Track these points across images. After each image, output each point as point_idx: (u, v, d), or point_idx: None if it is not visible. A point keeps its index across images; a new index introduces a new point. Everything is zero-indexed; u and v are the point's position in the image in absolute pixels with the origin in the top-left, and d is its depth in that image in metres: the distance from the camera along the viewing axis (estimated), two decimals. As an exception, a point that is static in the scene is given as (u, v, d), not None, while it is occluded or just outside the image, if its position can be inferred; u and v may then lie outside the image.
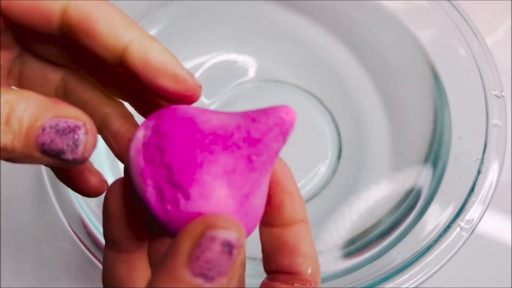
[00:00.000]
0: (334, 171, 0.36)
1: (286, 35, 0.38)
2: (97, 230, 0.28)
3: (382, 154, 0.35)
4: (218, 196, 0.12)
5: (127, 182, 0.15)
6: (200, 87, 0.16)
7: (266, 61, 0.38)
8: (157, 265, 0.13)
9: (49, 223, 0.35)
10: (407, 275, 0.27)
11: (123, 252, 0.16)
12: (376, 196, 0.33)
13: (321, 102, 0.38)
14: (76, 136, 0.13)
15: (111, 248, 0.16)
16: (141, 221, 0.16)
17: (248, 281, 0.18)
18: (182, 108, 0.15)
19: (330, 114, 0.37)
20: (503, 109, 0.30)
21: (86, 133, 0.14)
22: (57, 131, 0.13)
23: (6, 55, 0.17)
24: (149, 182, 0.13)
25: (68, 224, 0.28)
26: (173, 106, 0.15)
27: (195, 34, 0.38)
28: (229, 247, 0.12)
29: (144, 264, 0.17)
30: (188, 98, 0.16)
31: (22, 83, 0.18)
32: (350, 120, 0.37)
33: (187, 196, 0.12)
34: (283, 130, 0.14)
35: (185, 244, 0.12)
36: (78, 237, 0.28)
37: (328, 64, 0.37)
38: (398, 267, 0.27)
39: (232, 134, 0.13)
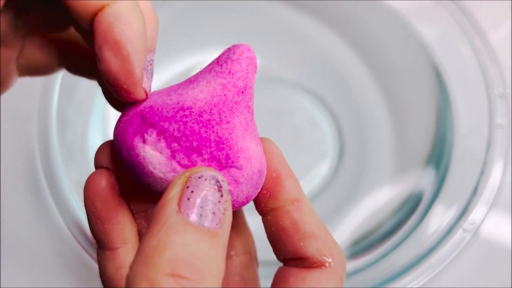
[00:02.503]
0: (335, 171, 0.35)
1: (287, 33, 0.38)
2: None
3: (384, 154, 0.35)
4: (255, 150, 0.14)
5: (107, 176, 0.15)
6: (146, 93, 0.14)
7: (267, 59, 0.38)
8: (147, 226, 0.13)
9: (47, 225, 0.35)
10: (410, 276, 0.27)
11: (107, 249, 0.16)
12: (378, 197, 0.33)
13: (322, 100, 0.38)
14: None
15: (99, 246, 0.16)
16: (124, 217, 0.16)
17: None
18: (164, 100, 0.14)
19: (332, 113, 0.37)
20: (506, 109, 0.30)
21: None
22: None
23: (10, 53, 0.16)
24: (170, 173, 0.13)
25: (66, 225, 0.28)
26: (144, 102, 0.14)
27: (193, 31, 0.37)
28: (217, 183, 0.11)
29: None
30: (124, 93, 0.13)
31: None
32: (352, 119, 0.37)
33: (239, 168, 0.13)
34: (254, 66, 0.14)
35: (172, 191, 0.11)
36: (76, 239, 0.28)
37: (330, 62, 0.37)
38: (401, 269, 0.27)
39: (225, 95, 0.14)
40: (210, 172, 0.12)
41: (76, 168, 0.31)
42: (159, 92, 0.14)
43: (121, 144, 0.14)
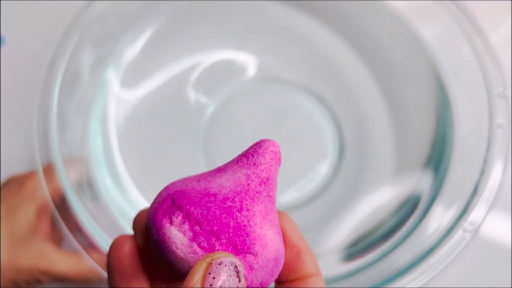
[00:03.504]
0: (335, 171, 0.36)
1: (287, 33, 0.38)
2: (96, 233, 0.28)
3: (384, 154, 0.35)
4: (272, 239, 0.15)
5: (132, 241, 0.17)
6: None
7: (267, 59, 0.38)
8: None
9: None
10: (410, 276, 0.27)
11: None
12: (378, 197, 0.33)
13: (322, 100, 0.38)
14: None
15: None
16: (143, 282, 0.17)
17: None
18: (194, 186, 0.15)
19: (332, 113, 0.37)
20: (506, 109, 0.30)
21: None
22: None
23: None
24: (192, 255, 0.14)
25: (66, 226, 0.28)
26: (175, 188, 0.15)
27: (194, 32, 0.37)
28: (235, 268, 0.13)
29: None
30: None
31: None
32: (352, 119, 0.37)
33: (255, 254, 0.14)
34: (278, 159, 0.16)
35: (196, 277, 0.13)
36: (76, 239, 0.28)
37: (330, 63, 0.37)
38: (401, 269, 0.27)
39: (248, 185, 0.15)
40: (229, 258, 0.13)
41: (75, 167, 0.31)
42: (191, 178, 0.16)
43: (151, 223, 0.15)
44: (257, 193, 0.15)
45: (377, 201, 0.33)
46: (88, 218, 0.29)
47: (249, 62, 0.38)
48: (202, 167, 0.35)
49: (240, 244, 0.14)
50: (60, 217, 0.28)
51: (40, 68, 0.31)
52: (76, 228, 0.28)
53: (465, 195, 0.29)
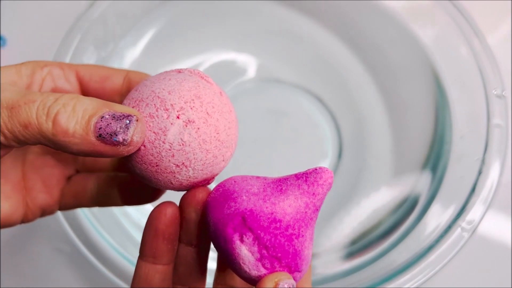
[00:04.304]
0: (335, 171, 0.36)
1: (286, 34, 0.38)
2: (96, 232, 0.28)
3: (383, 153, 0.35)
4: (310, 256, 0.18)
5: (176, 208, 0.20)
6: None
7: (267, 60, 0.38)
8: None
9: (48, 224, 0.35)
10: (408, 275, 0.27)
11: (160, 264, 0.20)
12: (377, 196, 0.33)
13: (321, 101, 0.38)
14: (128, 121, 0.17)
15: (149, 261, 0.20)
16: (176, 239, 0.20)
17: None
18: (261, 207, 0.18)
19: (331, 113, 0.37)
20: (504, 109, 0.30)
21: (137, 120, 0.17)
22: (113, 117, 0.17)
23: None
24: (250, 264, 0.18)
25: (68, 225, 0.28)
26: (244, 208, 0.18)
27: (195, 33, 0.38)
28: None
29: (171, 275, 0.21)
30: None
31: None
32: (351, 119, 0.37)
33: (301, 271, 0.18)
34: (330, 186, 0.18)
35: None
36: (78, 238, 0.28)
37: (329, 63, 0.37)
38: (399, 268, 0.27)
39: (306, 213, 0.18)
40: (291, 281, 0.17)
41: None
42: (256, 188, 0.18)
43: (219, 232, 0.18)
44: (310, 219, 0.18)
45: (376, 200, 0.33)
46: (91, 219, 0.29)
47: (249, 63, 0.38)
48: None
49: (294, 266, 0.17)
50: (63, 216, 0.28)
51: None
52: (78, 228, 0.28)
53: (463, 194, 0.29)
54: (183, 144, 0.18)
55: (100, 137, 0.16)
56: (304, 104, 0.38)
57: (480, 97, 0.31)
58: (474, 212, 0.28)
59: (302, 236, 0.17)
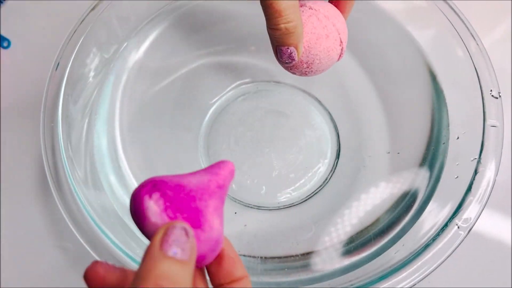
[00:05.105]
0: (333, 170, 0.36)
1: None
2: (99, 229, 0.28)
3: (381, 153, 0.35)
4: (217, 225, 0.20)
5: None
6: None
7: (267, 62, 0.38)
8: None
9: (51, 222, 0.35)
10: (405, 273, 0.27)
11: None
12: (374, 195, 0.33)
13: (320, 102, 0.38)
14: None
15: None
16: None
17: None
18: (171, 179, 0.21)
19: (329, 114, 0.38)
20: (500, 109, 0.30)
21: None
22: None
23: None
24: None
25: (70, 223, 0.28)
26: (160, 179, 0.20)
27: (196, 35, 0.38)
28: (185, 230, 0.18)
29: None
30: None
31: None
32: (349, 120, 0.37)
33: (203, 231, 0.20)
34: (232, 174, 0.22)
35: (158, 236, 0.18)
36: (81, 238, 0.28)
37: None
38: (396, 266, 0.28)
39: (209, 186, 0.21)
40: (180, 224, 0.19)
41: (81, 167, 0.31)
42: (171, 175, 0.21)
43: (134, 197, 0.20)
44: (213, 192, 0.20)
45: (373, 199, 0.33)
46: (94, 217, 0.29)
47: (249, 64, 0.38)
48: (203, 167, 0.35)
49: (197, 222, 0.20)
50: (65, 215, 0.28)
51: (45, 70, 0.31)
52: (80, 225, 0.28)
53: (460, 193, 0.29)
54: None
55: None
56: (303, 105, 0.38)
57: (476, 98, 0.31)
58: (470, 211, 0.28)
59: (205, 200, 0.20)
